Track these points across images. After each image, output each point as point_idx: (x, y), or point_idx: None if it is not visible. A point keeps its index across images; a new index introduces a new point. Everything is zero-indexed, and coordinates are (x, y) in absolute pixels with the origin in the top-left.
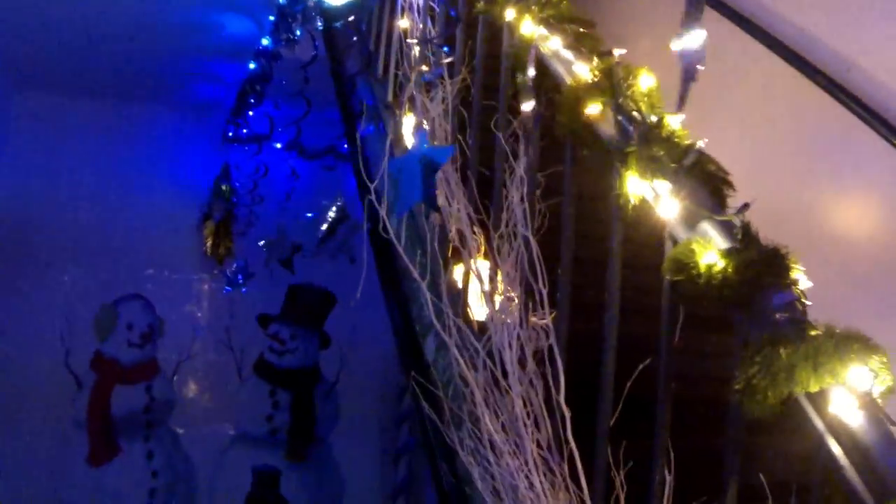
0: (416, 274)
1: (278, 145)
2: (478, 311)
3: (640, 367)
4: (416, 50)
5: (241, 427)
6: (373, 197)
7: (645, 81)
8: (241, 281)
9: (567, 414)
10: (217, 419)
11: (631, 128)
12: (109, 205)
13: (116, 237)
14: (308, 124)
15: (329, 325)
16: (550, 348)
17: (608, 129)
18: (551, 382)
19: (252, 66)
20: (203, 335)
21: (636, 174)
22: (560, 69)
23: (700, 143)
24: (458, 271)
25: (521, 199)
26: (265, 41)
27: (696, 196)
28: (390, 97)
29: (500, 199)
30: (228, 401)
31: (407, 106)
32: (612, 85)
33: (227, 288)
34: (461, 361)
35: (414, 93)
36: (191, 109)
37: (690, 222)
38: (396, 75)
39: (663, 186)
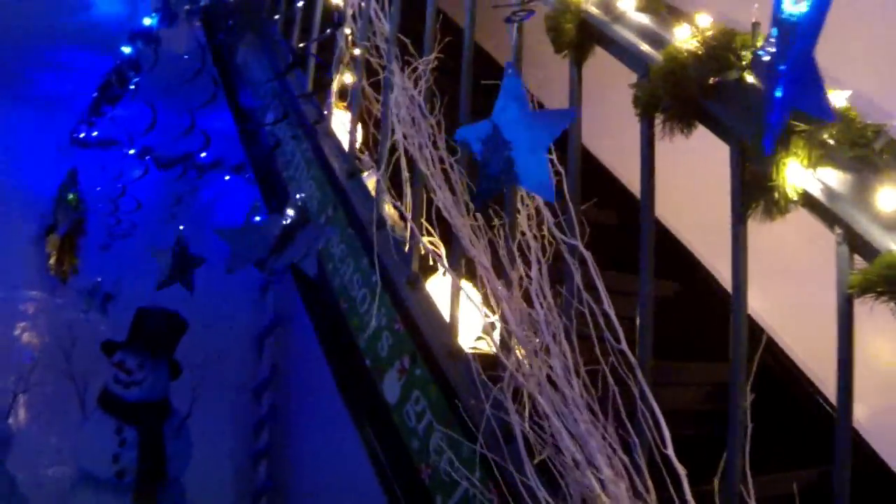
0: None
1: (132, 151)
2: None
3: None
4: (351, 30)
5: (86, 468)
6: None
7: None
8: (100, 302)
9: (682, 472)
10: (58, 459)
11: None
12: None
13: None
14: (159, 130)
15: (179, 352)
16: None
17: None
18: (651, 434)
19: (127, 50)
20: (42, 364)
21: (802, 161)
22: (629, 36)
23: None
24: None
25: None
26: (148, 20)
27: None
28: (310, 86)
29: (514, 199)
30: (71, 438)
31: (335, 97)
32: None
33: (81, 311)
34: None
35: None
36: (37, 105)
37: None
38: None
39: (833, 176)
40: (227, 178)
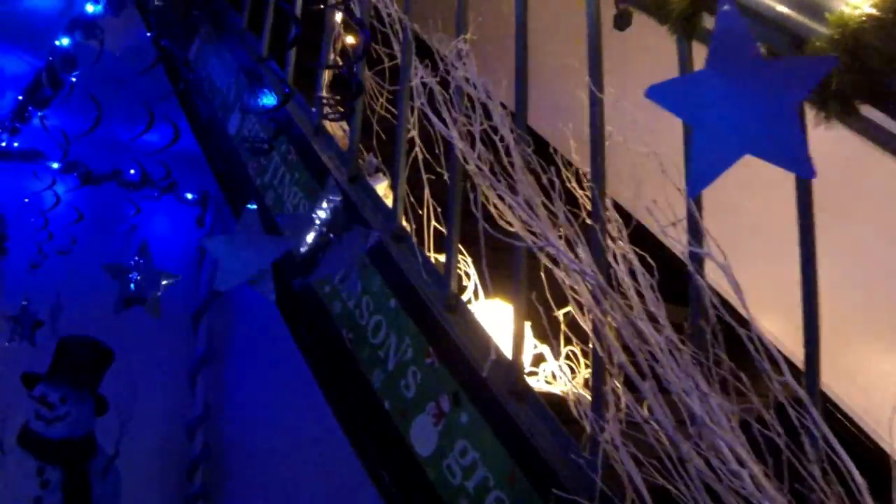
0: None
1: (55, 165)
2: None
3: None
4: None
5: None
6: None
7: None
8: (28, 331)
9: None
10: None
11: None
12: None
13: None
14: (87, 141)
15: (106, 386)
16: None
17: None
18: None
19: (64, 41)
20: None
21: None
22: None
23: None
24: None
25: None
26: (91, 6)
27: None
28: (290, 80)
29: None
30: None
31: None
32: None
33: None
34: None
35: None
36: None
37: None
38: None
39: None
40: (157, 196)
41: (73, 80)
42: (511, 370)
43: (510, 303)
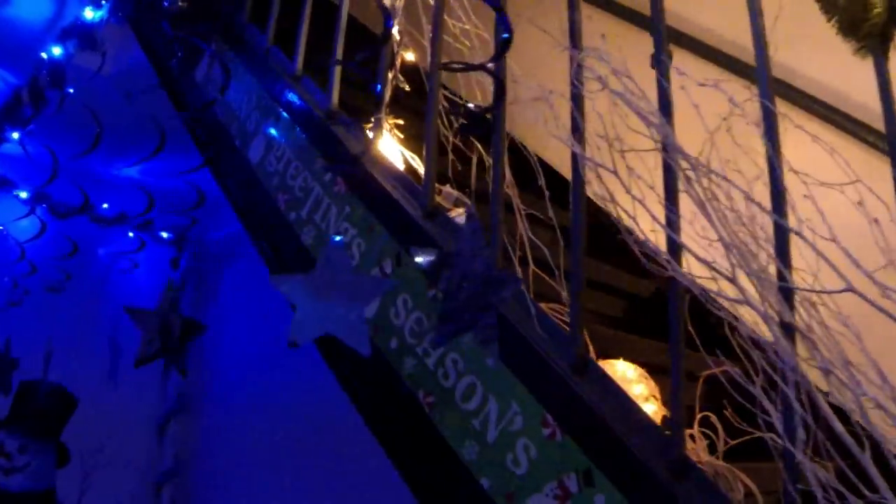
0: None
1: (24, 194)
2: None
3: None
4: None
5: None
6: None
7: None
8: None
9: None
10: None
11: None
12: None
13: None
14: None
15: (67, 436)
16: None
17: None
18: None
19: (56, 51)
20: None
21: None
22: None
23: None
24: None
25: None
26: (91, 12)
27: None
28: (334, 101)
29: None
30: None
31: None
32: None
33: None
34: None
35: None
36: None
37: None
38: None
39: None
40: (130, 234)
41: (71, 91)
42: (671, 446)
43: (633, 365)
